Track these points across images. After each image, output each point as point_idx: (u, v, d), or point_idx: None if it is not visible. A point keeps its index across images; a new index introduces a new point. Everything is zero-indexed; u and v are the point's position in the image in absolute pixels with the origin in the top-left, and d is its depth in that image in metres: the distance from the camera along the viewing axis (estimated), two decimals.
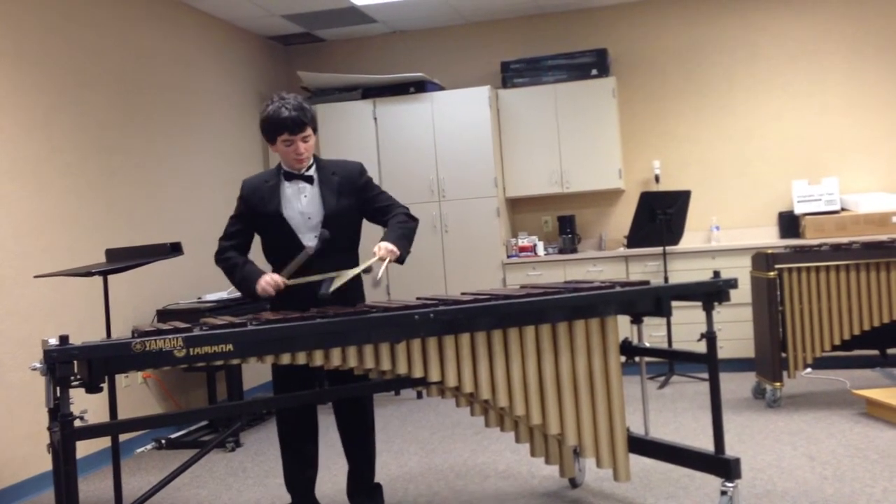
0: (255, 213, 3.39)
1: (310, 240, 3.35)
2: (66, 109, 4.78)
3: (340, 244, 3.38)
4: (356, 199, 3.44)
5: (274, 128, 3.27)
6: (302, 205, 3.37)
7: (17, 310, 4.33)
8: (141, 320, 5.20)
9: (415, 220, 3.48)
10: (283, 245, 3.37)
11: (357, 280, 3.42)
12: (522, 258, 6.55)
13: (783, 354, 4.87)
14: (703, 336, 3.31)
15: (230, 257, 3.40)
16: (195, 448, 4.97)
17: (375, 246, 3.29)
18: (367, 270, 3.32)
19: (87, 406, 2.80)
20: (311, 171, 3.40)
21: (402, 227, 3.40)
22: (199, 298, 5.54)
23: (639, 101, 6.82)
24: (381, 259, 3.25)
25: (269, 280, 3.27)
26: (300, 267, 3.28)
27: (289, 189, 3.38)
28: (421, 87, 6.63)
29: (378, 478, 3.98)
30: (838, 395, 5.14)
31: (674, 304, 3.37)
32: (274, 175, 3.43)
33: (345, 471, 3.87)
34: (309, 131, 3.31)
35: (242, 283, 3.35)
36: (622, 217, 6.77)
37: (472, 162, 6.50)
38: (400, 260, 3.32)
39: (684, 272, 6.09)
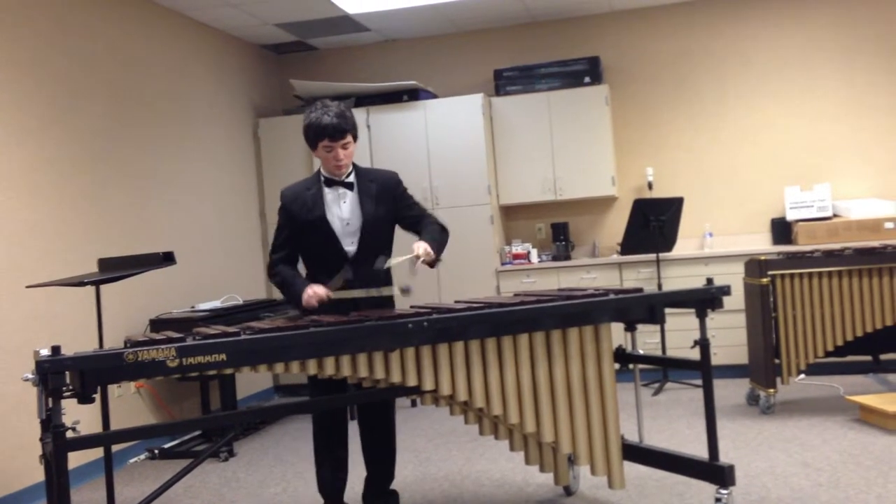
0: (299, 221, 3.43)
1: (348, 244, 3.42)
2: (59, 118, 4.77)
3: (376, 251, 3.44)
4: (392, 208, 3.52)
5: (315, 134, 3.34)
6: (341, 211, 3.44)
7: (9, 320, 4.31)
8: (133, 330, 5.19)
9: (446, 232, 3.55)
10: (324, 250, 3.43)
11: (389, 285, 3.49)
12: (516, 265, 6.55)
13: (776, 361, 4.87)
14: (696, 343, 3.32)
15: (280, 272, 3.45)
16: (189, 458, 4.94)
17: (415, 244, 3.34)
18: (412, 263, 3.33)
19: (80, 416, 2.79)
20: (351, 178, 3.48)
21: (437, 236, 3.46)
22: (192, 308, 5.53)
23: (632, 108, 6.84)
24: (417, 258, 3.29)
25: (312, 294, 3.29)
26: (343, 282, 3.31)
27: (329, 195, 3.45)
28: (414, 95, 6.64)
29: None
30: (832, 402, 5.14)
31: (667, 311, 3.38)
32: (314, 182, 3.49)
33: (355, 476, 3.84)
34: (349, 138, 3.37)
35: (293, 299, 3.39)
36: (615, 224, 6.78)
37: (465, 170, 6.51)
38: (431, 264, 3.38)
39: (678, 279, 6.10)
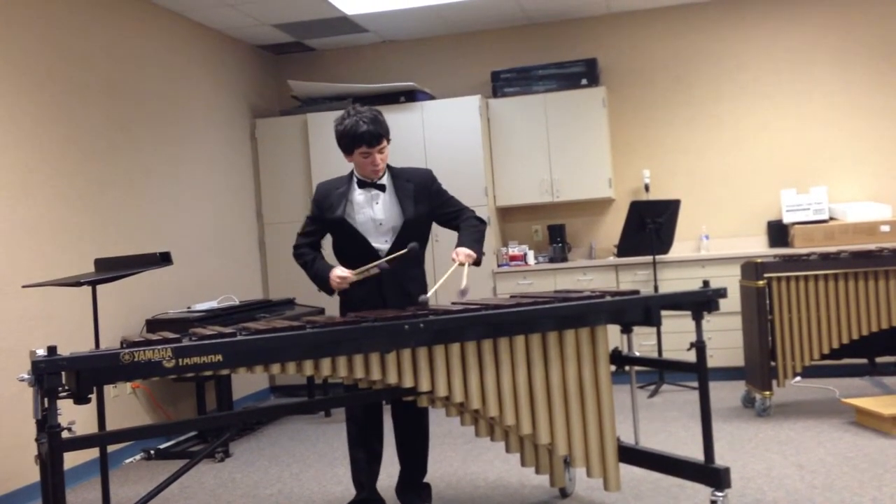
0: (325, 217, 3.56)
1: (380, 243, 3.51)
2: (56, 118, 4.76)
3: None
4: (429, 206, 3.61)
5: (352, 141, 3.42)
6: (374, 211, 3.53)
7: (5, 320, 4.31)
8: (130, 330, 5.18)
9: (484, 224, 3.66)
10: (352, 248, 3.54)
11: (421, 280, 3.60)
12: (513, 267, 6.55)
13: (772, 363, 4.88)
14: (692, 345, 3.32)
15: (304, 253, 3.61)
16: (184, 459, 4.94)
17: (453, 252, 3.45)
18: (458, 273, 3.42)
19: (76, 417, 2.79)
20: (384, 180, 3.56)
21: (474, 232, 3.57)
22: (189, 308, 5.52)
23: (628, 110, 6.85)
24: (462, 265, 3.40)
25: (340, 281, 3.41)
26: (368, 272, 3.40)
27: (360, 196, 3.54)
28: (411, 96, 6.64)
29: None
30: (827, 404, 5.15)
31: (663, 313, 3.38)
32: (345, 182, 3.59)
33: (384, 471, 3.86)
34: (385, 143, 3.46)
35: (316, 279, 3.53)
36: (612, 226, 6.78)
37: (462, 171, 6.51)
38: (477, 262, 3.48)
39: (674, 281, 6.11)
